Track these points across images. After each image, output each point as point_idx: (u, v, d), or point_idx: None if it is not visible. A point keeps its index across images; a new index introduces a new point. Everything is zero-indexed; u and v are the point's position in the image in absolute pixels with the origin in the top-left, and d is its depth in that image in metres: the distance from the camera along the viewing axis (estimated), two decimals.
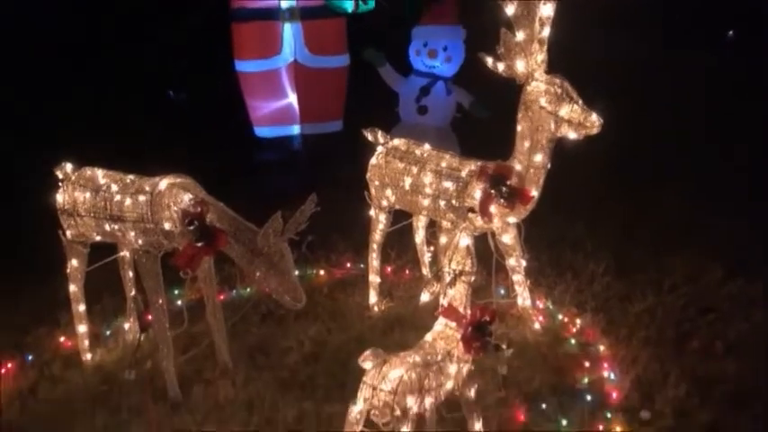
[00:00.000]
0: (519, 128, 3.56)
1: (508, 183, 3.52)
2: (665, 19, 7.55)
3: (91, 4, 7.15)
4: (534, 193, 3.57)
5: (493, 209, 3.58)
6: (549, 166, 3.58)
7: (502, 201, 3.54)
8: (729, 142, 6.24)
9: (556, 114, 3.42)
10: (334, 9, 5.96)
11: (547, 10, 3.34)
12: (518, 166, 3.57)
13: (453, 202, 3.69)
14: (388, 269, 4.62)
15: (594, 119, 3.39)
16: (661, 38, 7.52)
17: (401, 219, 4.27)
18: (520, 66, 3.43)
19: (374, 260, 4.22)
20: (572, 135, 3.46)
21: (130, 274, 3.91)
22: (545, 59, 3.43)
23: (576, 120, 3.40)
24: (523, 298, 3.97)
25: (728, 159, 6.01)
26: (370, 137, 4.02)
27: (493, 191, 3.53)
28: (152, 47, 7.13)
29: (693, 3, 7.47)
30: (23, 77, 6.87)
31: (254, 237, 3.20)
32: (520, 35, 3.39)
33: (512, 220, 3.70)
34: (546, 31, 3.38)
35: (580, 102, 3.42)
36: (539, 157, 3.52)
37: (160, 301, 3.44)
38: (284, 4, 6.06)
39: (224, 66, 6.22)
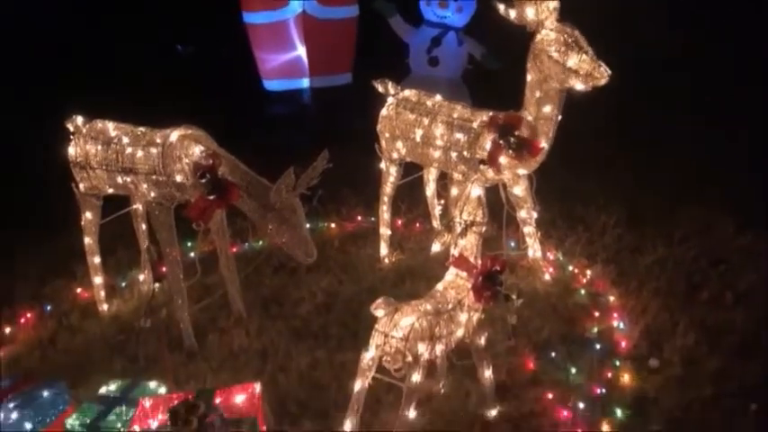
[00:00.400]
0: (528, 78, 3.50)
1: (517, 133, 3.48)
2: None
3: None
4: (544, 144, 3.53)
5: (503, 160, 3.56)
6: (559, 117, 3.53)
7: (510, 151, 3.51)
8: (743, 97, 6.12)
9: (564, 64, 3.36)
10: None
11: None
12: (528, 117, 3.53)
13: (465, 153, 3.67)
14: (399, 222, 4.63)
15: (603, 70, 3.33)
16: None
17: (412, 172, 4.25)
18: (530, 13, 3.36)
19: (385, 213, 4.22)
20: (579, 86, 3.39)
21: (144, 226, 3.95)
22: (557, 7, 3.35)
23: (585, 70, 3.33)
24: (534, 249, 3.99)
25: (741, 113, 5.91)
26: (380, 88, 3.98)
27: (502, 141, 3.50)
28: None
29: None
30: (33, 29, 6.83)
31: (266, 191, 3.21)
32: None
33: (522, 171, 3.67)
34: None
35: (590, 52, 3.35)
36: (548, 108, 3.48)
37: (174, 253, 3.47)
38: None
39: (233, 18, 6.14)
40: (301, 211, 3.28)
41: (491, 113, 3.61)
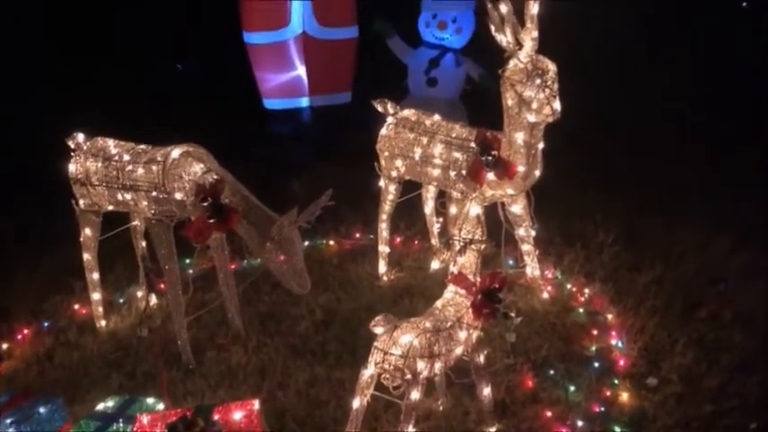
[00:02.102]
0: (503, 103, 3.49)
1: (494, 153, 3.50)
2: None
3: None
4: (520, 168, 3.52)
5: (490, 176, 3.58)
6: (539, 144, 3.51)
7: (487, 169, 3.53)
8: (740, 114, 6.19)
9: (521, 94, 3.36)
10: None
11: None
12: (504, 140, 3.54)
13: (463, 172, 3.70)
14: (398, 240, 4.65)
15: (551, 109, 3.30)
16: (674, 12, 7.43)
17: (411, 190, 4.28)
18: (502, 40, 3.36)
19: (384, 230, 4.24)
20: (531, 118, 3.38)
21: (143, 243, 3.95)
22: (535, 38, 3.32)
23: (536, 105, 3.32)
24: (532, 268, 4.00)
25: (738, 131, 5.97)
26: (379, 108, 4.02)
27: (482, 158, 3.53)
28: (162, 17, 7.11)
29: None
30: (35, 45, 6.89)
31: (266, 219, 3.24)
32: (503, 9, 3.30)
33: (510, 191, 3.68)
34: (536, 9, 3.27)
35: (554, 88, 3.32)
36: (518, 135, 3.46)
37: (173, 270, 3.48)
38: None
39: (234, 38, 6.21)
40: (299, 242, 3.30)
41: (481, 130, 3.64)
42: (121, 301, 4.19)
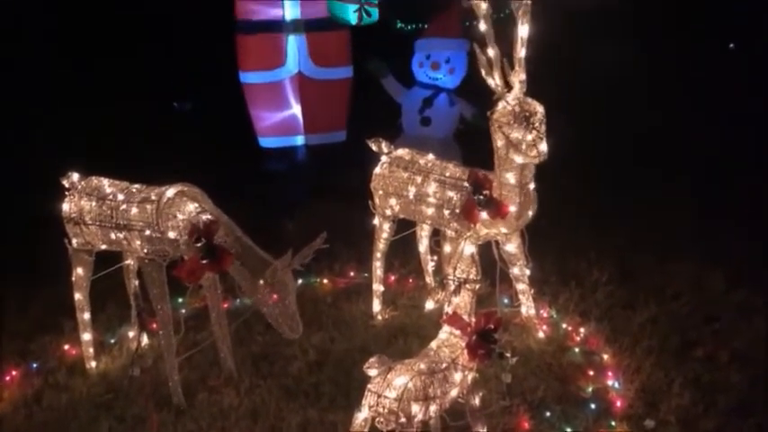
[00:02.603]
0: (493, 144, 3.53)
1: (486, 192, 3.52)
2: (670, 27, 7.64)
3: (99, 10, 7.24)
4: (512, 208, 3.53)
5: (484, 215, 3.59)
6: (530, 185, 3.54)
7: (479, 208, 3.55)
8: (733, 151, 6.27)
9: (508, 136, 3.39)
10: (339, 21, 6.01)
11: (523, 30, 3.31)
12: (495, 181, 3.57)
13: (457, 210, 3.71)
14: (392, 278, 4.63)
15: (539, 151, 3.32)
16: (662, 45, 7.60)
17: (405, 228, 4.28)
18: (490, 82, 3.42)
19: (378, 269, 4.23)
20: (518, 159, 3.41)
21: (136, 281, 3.92)
22: (523, 80, 3.37)
23: (523, 146, 3.35)
24: (527, 307, 3.99)
25: (731, 168, 6.04)
26: (374, 147, 4.05)
27: (475, 197, 3.55)
28: (159, 56, 7.21)
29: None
30: (30, 86, 6.94)
31: (260, 262, 3.23)
32: (490, 53, 3.36)
33: (503, 230, 3.69)
34: (523, 52, 3.32)
35: (541, 130, 3.34)
36: (509, 175, 3.49)
37: (165, 310, 3.45)
38: (289, 17, 6.12)
39: (229, 77, 6.29)
40: (293, 285, 3.29)
41: (474, 170, 3.66)
42: (112, 341, 4.14)
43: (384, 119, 5.86)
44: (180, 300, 4.13)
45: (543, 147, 3.35)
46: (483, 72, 3.41)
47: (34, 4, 7.23)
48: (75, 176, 3.69)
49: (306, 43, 6.17)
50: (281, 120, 6.37)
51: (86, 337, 3.86)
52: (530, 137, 3.34)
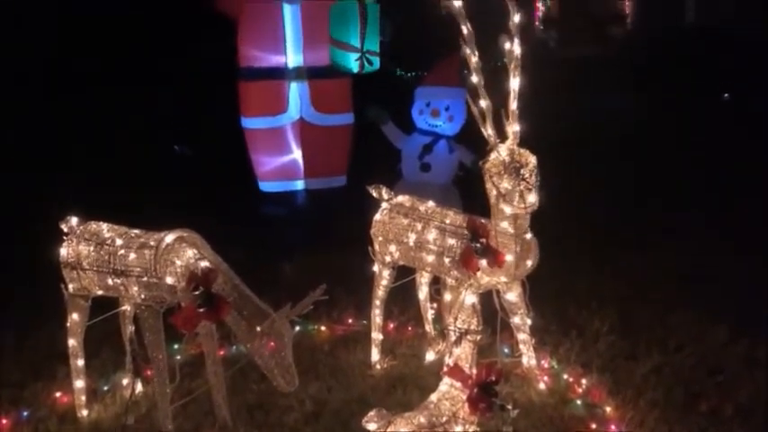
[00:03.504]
0: (488, 193, 3.53)
1: (483, 241, 3.51)
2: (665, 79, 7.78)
3: (103, 53, 7.36)
4: (509, 257, 3.50)
5: (484, 263, 3.57)
6: (526, 234, 3.52)
7: (477, 256, 3.52)
8: (735, 199, 6.30)
9: (497, 186, 3.39)
10: (340, 69, 6.11)
11: (515, 83, 3.34)
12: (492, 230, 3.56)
13: (458, 258, 3.69)
14: (391, 326, 4.58)
15: (527, 202, 3.30)
16: (660, 97, 7.73)
17: (405, 275, 4.25)
18: (484, 133, 3.44)
19: (377, 317, 4.18)
20: (507, 209, 3.40)
21: (131, 327, 3.87)
22: (516, 131, 3.39)
23: (510, 197, 3.34)
24: (528, 357, 3.92)
25: (733, 217, 6.06)
26: (374, 193, 4.06)
27: (473, 245, 3.53)
28: (161, 101, 7.30)
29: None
30: (30, 129, 7.00)
31: (257, 312, 3.20)
32: (482, 104, 3.39)
33: (503, 279, 3.66)
34: (515, 105, 3.35)
35: (531, 181, 3.33)
36: (503, 224, 3.47)
37: (161, 357, 3.40)
38: (291, 64, 6.23)
39: (230, 121, 6.35)
40: (290, 335, 3.25)
41: (473, 217, 3.65)
42: (105, 388, 4.05)
43: (384, 164, 5.90)
44: (176, 346, 4.06)
45: (532, 198, 3.32)
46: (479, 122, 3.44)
47: (40, 42, 7.35)
48: (74, 221, 3.68)
49: (308, 90, 6.26)
50: (282, 164, 6.42)
51: (79, 384, 3.78)
52: (519, 187, 3.32)
